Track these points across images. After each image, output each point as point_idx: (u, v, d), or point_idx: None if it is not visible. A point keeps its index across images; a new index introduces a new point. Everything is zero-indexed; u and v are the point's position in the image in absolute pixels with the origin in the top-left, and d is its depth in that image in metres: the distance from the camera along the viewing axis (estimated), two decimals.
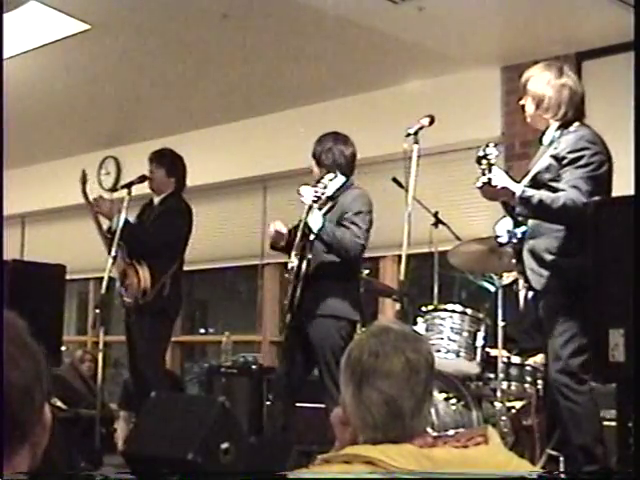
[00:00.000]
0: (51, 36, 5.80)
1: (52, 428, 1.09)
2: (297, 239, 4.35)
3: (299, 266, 4.31)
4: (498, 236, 3.84)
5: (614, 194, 3.62)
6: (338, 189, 4.40)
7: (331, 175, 4.24)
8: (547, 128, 3.73)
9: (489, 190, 3.43)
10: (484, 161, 3.37)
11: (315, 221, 4.30)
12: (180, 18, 5.53)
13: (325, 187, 4.20)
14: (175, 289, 5.29)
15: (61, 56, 6.17)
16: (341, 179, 4.36)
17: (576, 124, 3.64)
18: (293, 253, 4.39)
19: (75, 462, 4.39)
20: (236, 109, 7.24)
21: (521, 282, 5.19)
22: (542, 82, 3.69)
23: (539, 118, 3.72)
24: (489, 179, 3.38)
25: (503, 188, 3.43)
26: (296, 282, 4.32)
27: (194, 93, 6.93)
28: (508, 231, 3.77)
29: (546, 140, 3.72)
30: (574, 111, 3.66)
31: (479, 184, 3.43)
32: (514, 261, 3.89)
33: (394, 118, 5.90)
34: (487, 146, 3.37)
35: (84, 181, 5.61)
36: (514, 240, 3.75)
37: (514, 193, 3.44)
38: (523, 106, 3.78)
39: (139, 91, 6.95)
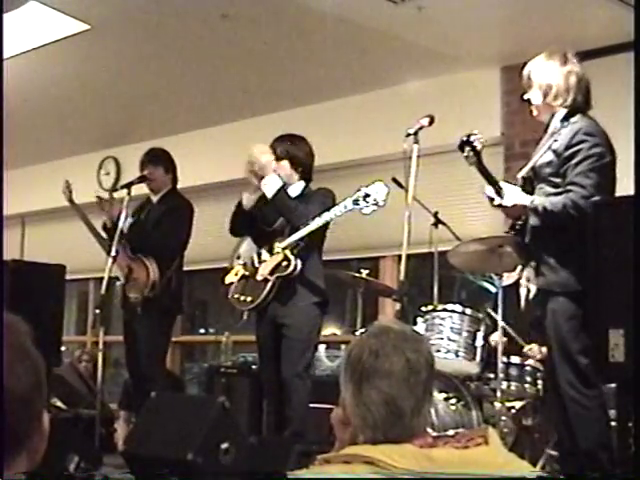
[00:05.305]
0: (51, 36, 5.80)
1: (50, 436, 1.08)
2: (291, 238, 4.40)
3: (295, 265, 4.37)
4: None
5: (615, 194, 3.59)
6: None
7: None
8: (552, 117, 3.65)
9: (510, 210, 3.60)
10: (467, 148, 3.46)
11: (270, 187, 4.51)
12: (180, 18, 5.53)
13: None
14: (178, 285, 5.30)
15: (61, 56, 6.17)
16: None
17: (577, 116, 3.56)
18: (278, 247, 4.45)
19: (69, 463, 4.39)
20: (236, 109, 7.24)
21: (522, 281, 5.21)
22: (548, 71, 3.64)
23: (546, 108, 3.65)
24: (500, 203, 3.55)
25: (517, 205, 3.55)
26: (278, 280, 4.40)
27: (194, 93, 6.93)
28: None
29: (550, 129, 3.65)
30: (583, 97, 3.61)
31: (496, 202, 3.59)
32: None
33: (394, 118, 5.90)
34: (470, 135, 3.47)
35: (69, 190, 5.66)
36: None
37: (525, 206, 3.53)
38: (527, 101, 3.71)
39: (139, 91, 6.95)
